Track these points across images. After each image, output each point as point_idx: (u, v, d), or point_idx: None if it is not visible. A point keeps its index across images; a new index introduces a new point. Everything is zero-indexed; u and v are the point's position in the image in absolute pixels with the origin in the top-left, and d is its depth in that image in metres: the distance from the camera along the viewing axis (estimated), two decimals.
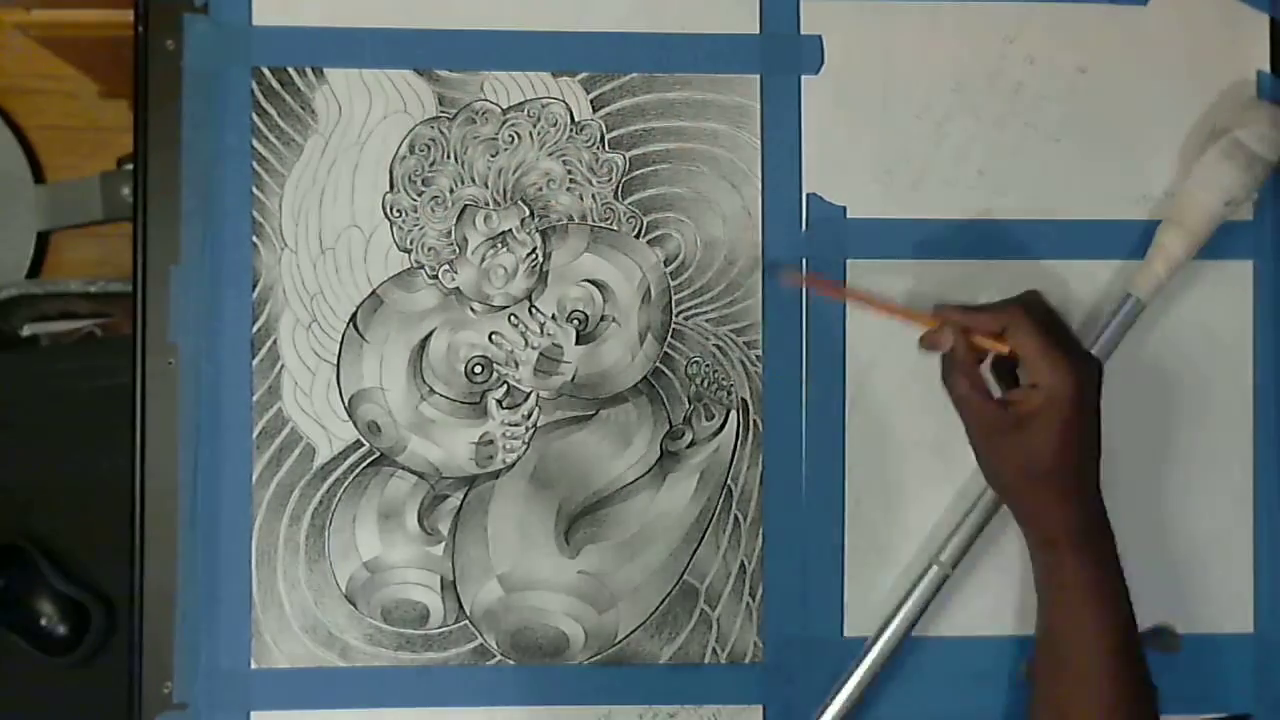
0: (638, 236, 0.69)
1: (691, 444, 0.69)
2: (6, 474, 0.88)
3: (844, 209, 0.69)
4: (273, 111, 0.68)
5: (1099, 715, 0.60)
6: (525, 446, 0.68)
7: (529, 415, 0.68)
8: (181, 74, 0.67)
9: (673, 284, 0.69)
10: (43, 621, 0.86)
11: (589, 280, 0.69)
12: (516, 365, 0.68)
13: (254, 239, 0.68)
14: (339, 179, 0.68)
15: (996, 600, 0.69)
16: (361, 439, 0.68)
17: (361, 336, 0.68)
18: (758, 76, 0.69)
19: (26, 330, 0.98)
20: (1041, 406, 0.58)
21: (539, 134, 0.69)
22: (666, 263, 0.69)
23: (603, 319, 0.69)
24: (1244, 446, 0.70)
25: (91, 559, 0.87)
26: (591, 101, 0.69)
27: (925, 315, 0.64)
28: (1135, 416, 0.70)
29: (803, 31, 0.70)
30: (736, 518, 0.69)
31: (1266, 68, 0.71)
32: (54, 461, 0.88)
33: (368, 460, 0.68)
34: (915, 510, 0.69)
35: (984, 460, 0.62)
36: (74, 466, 0.88)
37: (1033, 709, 0.63)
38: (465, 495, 0.68)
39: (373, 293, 0.68)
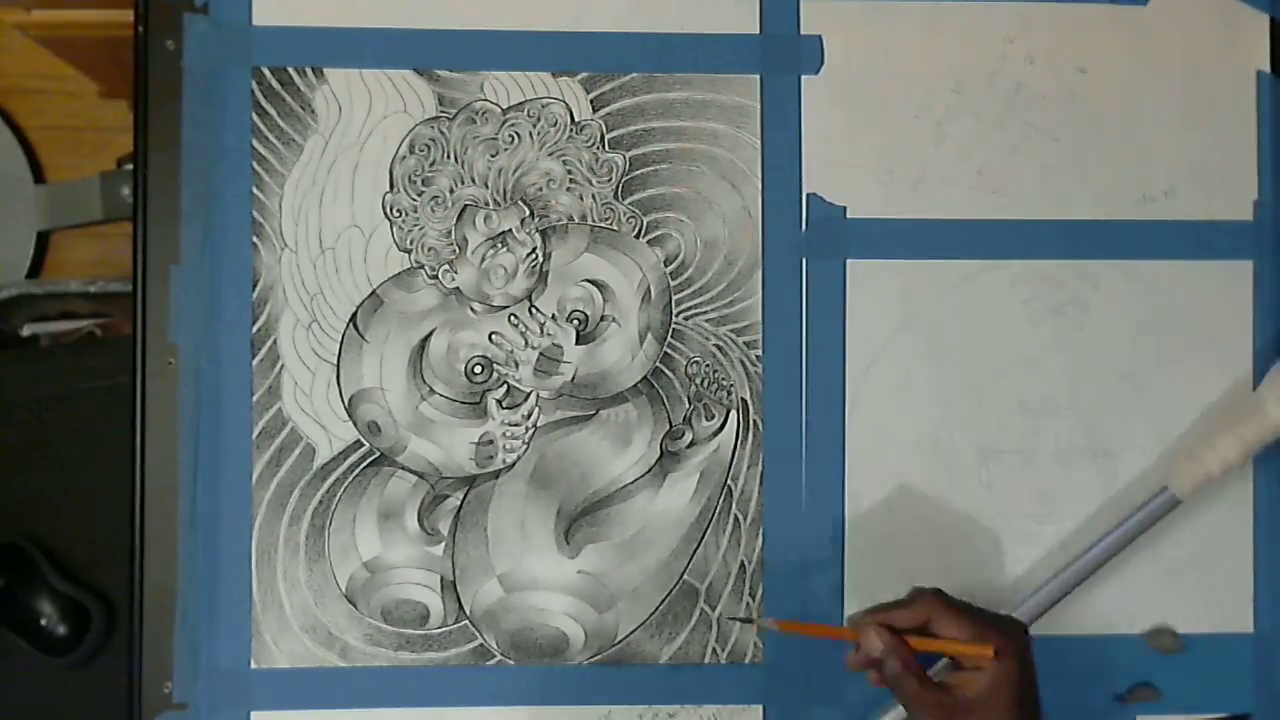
0: (638, 236, 0.69)
1: (691, 444, 0.69)
2: (6, 474, 0.88)
3: (844, 209, 0.69)
4: (273, 111, 0.68)
5: None
6: (525, 446, 0.68)
7: (529, 415, 0.68)
8: (181, 74, 0.67)
9: (673, 284, 0.69)
10: (43, 621, 0.86)
11: (589, 280, 0.69)
12: (516, 365, 0.68)
13: (254, 239, 0.68)
14: (339, 179, 0.68)
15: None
16: (361, 439, 0.68)
17: (361, 336, 0.68)
18: (758, 76, 0.69)
19: (26, 330, 0.97)
20: (989, 688, 0.58)
21: (539, 134, 0.69)
22: (666, 263, 0.69)
23: (603, 319, 0.69)
24: None
25: (91, 559, 0.87)
26: (591, 101, 0.69)
27: (843, 630, 0.63)
28: (1135, 417, 0.70)
29: (803, 31, 0.70)
30: (736, 518, 0.69)
31: (1266, 68, 0.71)
32: (54, 461, 0.88)
33: (368, 460, 0.68)
34: (915, 510, 0.69)
35: None
36: (74, 466, 0.88)
37: None
38: (465, 495, 0.68)
39: (373, 293, 0.68)
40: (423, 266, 0.68)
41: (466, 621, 0.68)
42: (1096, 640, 0.69)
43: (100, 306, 0.95)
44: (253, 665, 0.67)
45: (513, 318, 0.68)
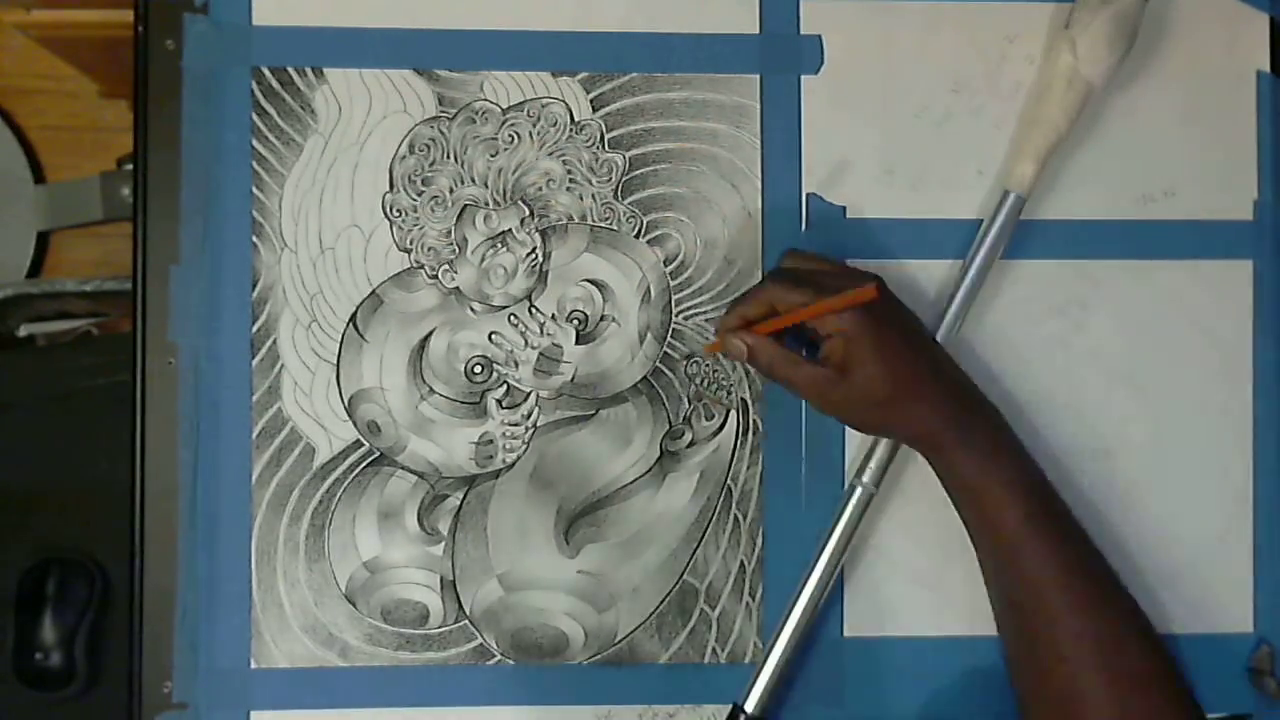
0: (637, 236, 0.69)
1: (691, 444, 0.69)
2: (3, 473, 0.88)
3: (844, 209, 0.69)
4: (273, 111, 0.68)
5: (1065, 619, 0.60)
6: (525, 446, 0.68)
7: (529, 415, 0.68)
8: (181, 74, 0.67)
9: (672, 284, 0.69)
10: (37, 655, 0.86)
11: (589, 280, 0.69)
12: (516, 365, 0.68)
13: (254, 239, 0.68)
14: (339, 179, 0.68)
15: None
16: (361, 439, 0.68)
17: (361, 336, 0.68)
18: (758, 76, 0.69)
19: (23, 331, 0.97)
20: (849, 347, 0.60)
21: (539, 134, 0.69)
22: (666, 262, 0.69)
23: (602, 319, 0.69)
24: (1244, 446, 0.70)
25: (90, 556, 0.87)
26: (591, 101, 0.69)
27: (712, 343, 0.65)
28: (1135, 417, 0.70)
29: (803, 31, 0.70)
30: (736, 518, 0.69)
31: (1266, 68, 0.71)
32: (52, 461, 0.88)
33: (367, 460, 0.68)
34: (915, 510, 0.69)
35: (839, 417, 0.63)
36: (72, 466, 0.88)
37: (1018, 678, 0.63)
38: (465, 495, 0.68)
39: (372, 292, 0.68)
40: (423, 266, 0.68)
41: (466, 621, 0.68)
42: None
43: (97, 306, 0.95)
44: (252, 665, 0.67)
45: (512, 317, 0.68)
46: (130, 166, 0.90)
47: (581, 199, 0.69)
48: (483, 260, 0.68)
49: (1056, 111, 0.66)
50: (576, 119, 0.69)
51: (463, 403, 0.68)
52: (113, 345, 0.90)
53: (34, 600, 0.85)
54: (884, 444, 0.66)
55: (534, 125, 0.69)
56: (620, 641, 0.68)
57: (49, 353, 0.93)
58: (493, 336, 0.68)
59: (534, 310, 0.68)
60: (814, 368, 0.61)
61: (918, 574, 0.69)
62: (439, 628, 0.68)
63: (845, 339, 0.60)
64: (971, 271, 0.67)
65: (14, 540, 0.87)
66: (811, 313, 0.61)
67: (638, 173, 0.69)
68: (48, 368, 0.89)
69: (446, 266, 0.68)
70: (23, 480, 0.88)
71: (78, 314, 0.97)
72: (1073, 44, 0.65)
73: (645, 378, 0.69)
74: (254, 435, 0.67)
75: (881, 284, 0.62)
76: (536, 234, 0.68)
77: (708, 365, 0.69)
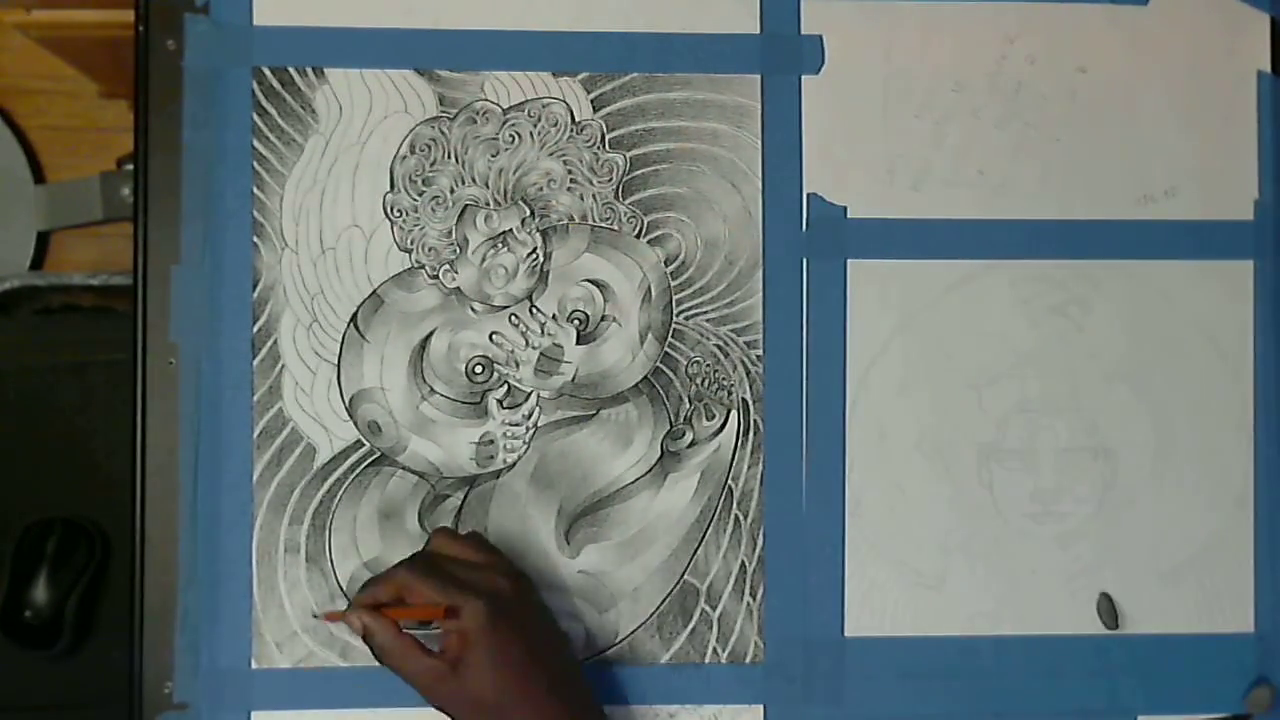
0: (638, 236, 0.69)
1: (692, 444, 0.69)
2: (10, 441, 0.88)
3: (844, 209, 0.69)
4: (273, 111, 0.68)
5: None
6: (526, 446, 0.68)
7: (529, 415, 0.68)
8: (182, 74, 0.67)
9: (673, 284, 0.69)
10: (26, 613, 0.85)
11: (589, 280, 0.69)
12: (517, 365, 0.68)
13: (254, 239, 0.68)
14: (339, 179, 0.68)
15: (995, 600, 0.69)
16: (362, 439, 0.68)
17: (362, 336, 0.68)
18: (758, 76, 0.69)
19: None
20: (464, 646, 0.58)
21: (539, 134, 0.69)
22: (667, 263, 0.69)
23: (603, 319, 0.69)
24: (1244, 446, 0.70)
25: (94, 521, 0.87)
26: (592, 101, 0.69)
27: (335, 612, 0.61)
28: (1135, 417, 0.70)
29: (803, 31, 0.70)
30: (737, 518, 0.69)
31: (1267, 68, 0.71)
32: (62, 427, 0.88)
33: (368, 460, 0.68)
34: (915, 510, 0.69)
35: (448, 712, 0.60)
36: (81, 433, 0.88)
37: None
38: (466, 495, 0.68)
39: (373, 293, 0.68)
40: (423, 266, 0.68)
41: None
42: (1098, 640, 0.69)
43: (102, 300, 0.95)
44: (253, 665, 0.67)
45: (513, 317, 0.68)
46: (130, 166, 0.89)
47: (582, 199, 0.69)
48: (483, 260, 0.68)
49: None
50: (577, 119, 0.69)
51: (463, 403, 0.68)
52: (121, 322, 0.90)
53: (32, 558, 0.85)
54: None
55: (535, 125, 0.69)
56: (621, 641, 0.68)
57: (59, 321, 0.92)
58: (493, 336, 0.68)
59: (535, 310, 0.68)
60: (426, 659, 0.59)
61: (918, 574, 0.69)
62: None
63: (462, 636, 0.58)
64: None
65: (19, 498, 0.87)
66: (413, 613, 0.59)
67: (638, 173, 0.69)
68: (57, 338, 0.89)
69: (447, 266, 0.68)
70: (31, 442, 0.87)
71: (84, 308, 0.96)
72: None
73: (646, 378, 0.69)
74: (255, 435, 0.67)
75: (513, 585, 0.60)
76: (537, 234, 0.69)
77: (708, 365, 0.69)
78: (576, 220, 0.69)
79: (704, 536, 0.68)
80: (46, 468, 0.88)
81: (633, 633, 0.68)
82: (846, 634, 0.69)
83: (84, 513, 0.86)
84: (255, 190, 0.68)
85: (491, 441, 0.68)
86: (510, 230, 0.68)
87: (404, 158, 0.68)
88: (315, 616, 0.67)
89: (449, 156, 0.68)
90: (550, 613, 0.64)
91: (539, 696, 0.59)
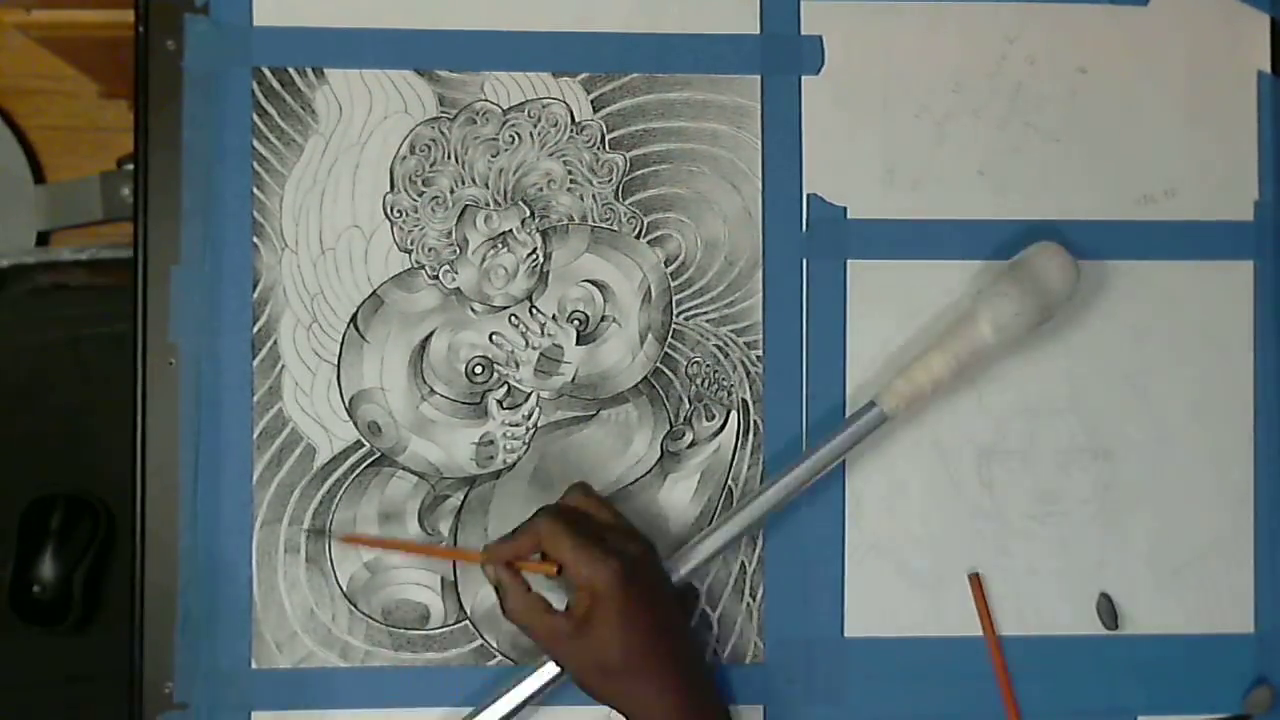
0: (638, 237, 0.69)
1: (692, 444, 0.69)
2: (11, 416, 0.88)
3: (844, 209, 0.69)
4: (273, 111, 0.68)
5: None
6: (526, 447, 0.68)
7: (529, 415, 0.68)
8: (182, 74, 0.67)
9: (673, 284, 0.69)
10: (35, 589, 0.85)
11: (589, 280, 0.69)
12: (517, 365, 0.68)
13: (254, 239, 0.68)
14: (339, 179, 0.68)
15: (995, 601, 0.69)
16: (362, 439, 0.68)
17: (362, 337, 0.68)
18: (758, 77, 0.69)
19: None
20: (592, 605, 0.58)
21: (539, 134, 0.69)
22: (667, 263, 0.69)
23: (603, 319, 0.69)
24: (1244, 446, 0.70)
25: (97, 496, 0.87)
26: (592, 102, 0.69)
27: (473, 554, 0.63)
28: (1135, 417, 0.70)
29: (803, 31, 0.70)
30: None
31: (1267, 68, 0.71)
32: (61, 403, 0.87)
33: (368, 460, 0.68)
34: (915, 510, 0.69)
35: (569, 672, 0.61)
36: (81, 408, 0.88)
37: None
38: (466, 495, 0.68)
39: (373, 293, 0.68)
40: (423, 267, 0.68)
41: (467, 621, 0.68)
42: (1098, 640, 0.69)
43: (93, 276, 0.94)
44: (253, 665, 0.67)
45: (513, 318, 0.68)
46: (130, 166, 0.90)
47: (582, 199, 0.69)
48: (483, 261, 0.68)
49: (950, 360, 0.65)
50: (577, 119, 0.69)
51: (463, 403, 0.68)
52: (113, 296, 0.90)
53: (37, 534, 0.85)
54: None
55: (535, 126, 0.69)
56: None
57: (56, 297, 0.92)
58: (493, 337, 0.68)
59: (535, 311, 0.68)
60: (554, 617, 0.60)
61: (918, 574, 0.69)
62: (439, 628, 0.68)
63: (593, 595, 0.58)
64: (808, 462, 0.65)
65: (22, 474, 0.87)
66: (536, 567, 0.60)
67: (638, 173, 0.69)
68: (54, 313, 0.89)
69: (447, 267, 0.68)
70: (32, 418, 0.87)
71: (74, 286, 0.96)
72: (987, 316, 0.65)
73: (646, 378, 0.69)
74: (254, 436, 0.67)
75: (645, 554, 0.61)
76: (537, 234, 0.68)
77: (708, 366, 0.69)
78: (576, 220, 0.69)
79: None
80: (47, 444, 0.88)
81: None
82: (846, 634, 0.69)
83: (86, 487, 0.86)
84: (255, 190, 0.68)
85: (491, 442, 0.68)
86: (510, 231, 0.68)
87: (404, 158, 0.68)
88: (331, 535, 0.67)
89: (449, 157, 0.68)
90: (674, 586, 0.64)
91: (661, 665, 0.59)
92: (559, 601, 0.61)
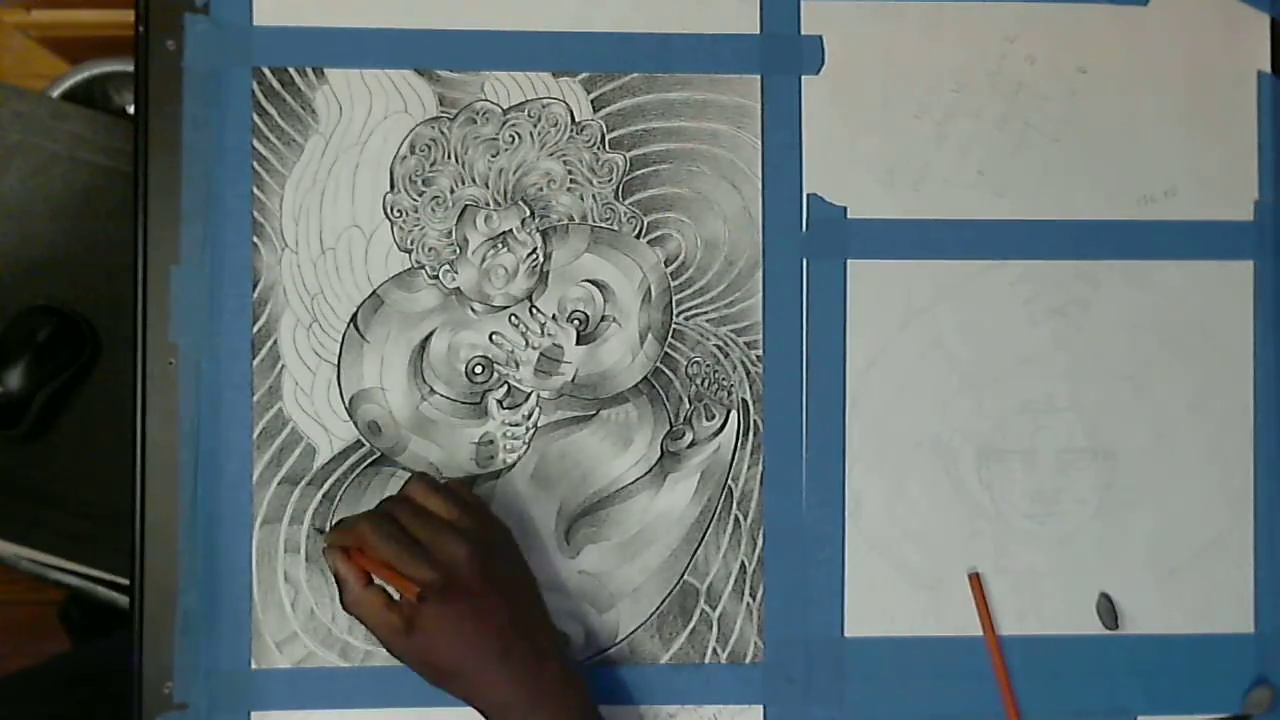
0: (638, 236, 0.69)
1: (692, 444, 0.69)
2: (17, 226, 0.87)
3: (844, 209, 0.69)
4: (273, 111, 0.68)
5: None
6: (526, 447, 0.68)
7: (529, 415, 0.68)
8: (182, 74, 0.67)
9: (673, 284, 0.69)
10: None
11: (589, 280, 0.69)
12: (517, 365, 0.68)
13: (254, 239, 0.68)
14: (339, 179, 0.68)
15: (995, 601, 0.69)
16: (362, 439, 0.68)
17: (362, 336, 0.68)
18: (758, 77, 0.69)
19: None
20: (413, 612, 0.58)
21: (539, 134, 0.69)
22: (667, 263, 0.69)
23: (603, 319, 0.69)
24: (1244, 446, 0.70)
25: (89, 321, 0.86)
26: (592, 102, 0.69)
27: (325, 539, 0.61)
28: (1135, 417, 0.70)
29: (803, 31, 0.70)
30: (737, 518, 0.69)
31: (1267, 68, 0.71)
32: (59, 219, 0.87)
33: (368, 460, 0.68)
34: (915, 510, 0.69)
35: (409, 664, 0.60)
36: (77, 229, 0.87)
37: None
38: None
39: (373, 293, 0.68)
40: (423, 266, 0.68)
41: None
42: (1098, 640, 0.69)
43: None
44: (253, 665, 0.67)
45: (513, 318, 0.68)
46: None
47: (582, 199, 0.69)
48: (483, 260, 0.68)
49: None
50: (577, 119, 0.69)
51: (463, 403, 0.68)
52: (123, 130, 0.89)
53: (20, 341, 0.85)
54: None
55: (535, 125, 0.69)
56: (621, 641, 0.68)
57: (61, 108, 0.91)
58: (493, 337, 0.68)
59: (535, 310, 0.68)
60: (385, 614, 0.59)
61: (918, 574, 0.69)
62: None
63: (411, 608, 0.58)
64: None
65: (25, 287, 0.86)
66: (378, 571, 0.59)
67: (638, 173, 0.69)
68: (59, 125, 0.88)
69: (447, 267, 0.68)
70: (32, 234, 0.86)
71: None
72: None
73: (646, 378, 0.69)
74: (254, 435, 0.67)
75: (480, 549, 0.60)
76: (537, 234, 0.68)
77: (708, 366, 0.69)
78: (576, 220, 0.69)
79: (704, 537, 0.68)
80: (51, 259, 0.87)
81: (633, 633, 0.68)
82: (846, 634, 0.69)
83: (81, 311, 0.85)
84: (255, 190, 0.68)
85: (491, 442, 0.68)
86: (510, 230, 0.68)
87: (404, 158, 0.68)
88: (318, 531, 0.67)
89: (449, 156, 0.68)
90: (525, 566, 0.64)
91: (488, 666, 0.59)
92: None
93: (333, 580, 0.60)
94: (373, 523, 0.59)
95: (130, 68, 0.87)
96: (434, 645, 0.59)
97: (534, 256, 0.68)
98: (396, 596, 0.59)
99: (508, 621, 0.60)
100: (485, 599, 0.59)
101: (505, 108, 0.68)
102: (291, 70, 0.68)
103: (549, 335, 0.68)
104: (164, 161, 0.67)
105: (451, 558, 0.59)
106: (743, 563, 0.69)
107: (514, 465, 0.68)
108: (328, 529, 0.66)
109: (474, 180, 0.68)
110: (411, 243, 0.68)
